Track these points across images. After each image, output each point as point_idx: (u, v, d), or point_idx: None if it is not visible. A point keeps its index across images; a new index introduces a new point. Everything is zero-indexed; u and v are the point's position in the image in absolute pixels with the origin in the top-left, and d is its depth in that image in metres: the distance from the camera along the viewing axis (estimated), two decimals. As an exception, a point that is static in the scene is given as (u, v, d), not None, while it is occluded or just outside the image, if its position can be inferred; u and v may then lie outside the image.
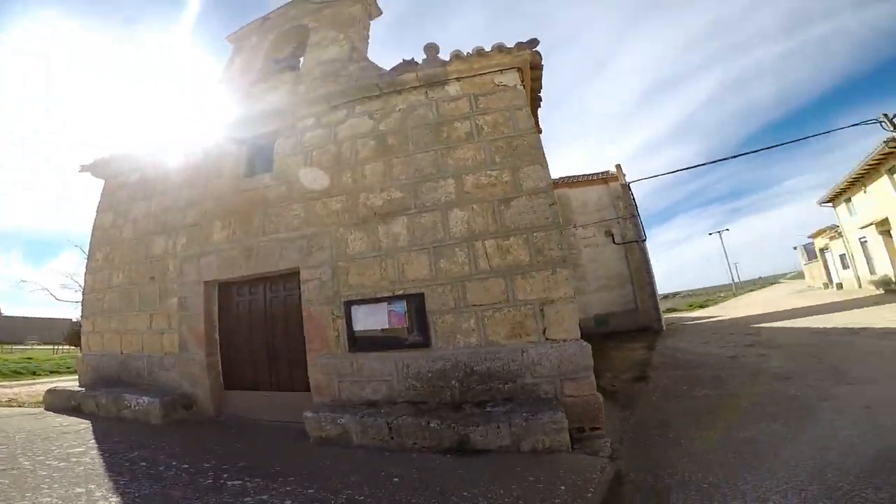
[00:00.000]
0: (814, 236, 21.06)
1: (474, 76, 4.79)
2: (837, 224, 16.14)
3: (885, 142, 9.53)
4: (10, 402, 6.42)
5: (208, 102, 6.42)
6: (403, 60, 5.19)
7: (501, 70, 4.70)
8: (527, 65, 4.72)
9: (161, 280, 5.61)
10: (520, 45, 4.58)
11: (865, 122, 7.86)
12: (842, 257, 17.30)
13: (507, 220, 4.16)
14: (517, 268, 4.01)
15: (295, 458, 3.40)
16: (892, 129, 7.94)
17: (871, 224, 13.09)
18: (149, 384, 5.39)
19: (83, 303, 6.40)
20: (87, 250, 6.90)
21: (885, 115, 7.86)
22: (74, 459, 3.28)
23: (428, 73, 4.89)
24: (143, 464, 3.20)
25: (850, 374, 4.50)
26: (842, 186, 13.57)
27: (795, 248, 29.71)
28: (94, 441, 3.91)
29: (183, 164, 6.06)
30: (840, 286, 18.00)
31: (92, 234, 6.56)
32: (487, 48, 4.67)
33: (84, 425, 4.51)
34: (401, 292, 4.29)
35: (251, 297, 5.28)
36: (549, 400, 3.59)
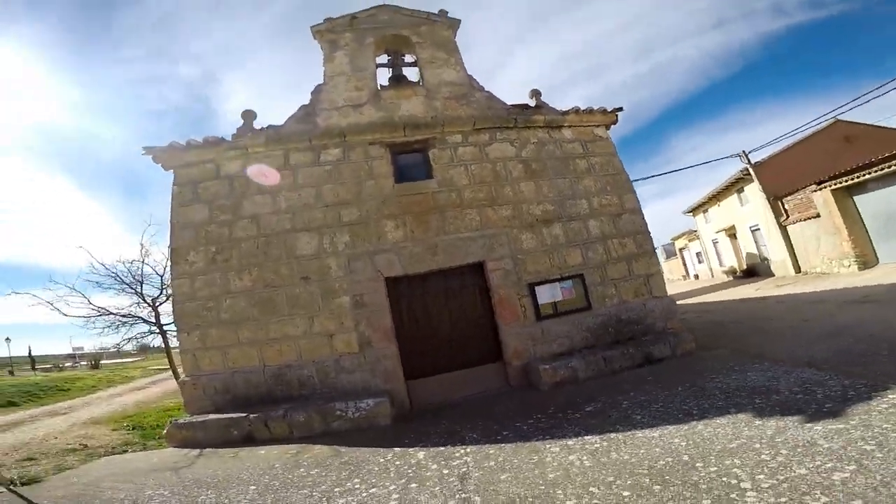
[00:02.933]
0: (675, 238, 31.46)
1: (580, 126, 7.56)
2: (696, 229, 25.22)
3: (741, 171, 16.31)
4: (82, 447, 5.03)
5: (323, 96, 6.76)
6: (533, 105, 7.49)
7: (597, 125, 7.68)
8: (611, 122, 7.84)
9: (321, 280, 5.93)
10: (613, 110, 7.64)
11: (730, 157, 15.06)
12: (698, 254, 26.56)
13: (621, 227, 7.15)
14: (631, 256, 7.05)
15: (566, 394, 5.09)
16: (746, 161, 15.22)
17: (723, 230, 20.26)
18: (323, 392, 5.61)
19: (179, 314, 5.63)
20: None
21: (744, 152, 15.04)
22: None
23: (551, 118, 7.35)
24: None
25: (773, 317, 9.08)
26: (702, 201, 21.77)
27: (657, 248, 42.94)
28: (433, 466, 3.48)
29: (311, 160, 6.38)
30: (696, 276, 27.29)
31: (175, 233, 5.81)
32: (583, 107, 7.57)
33: (323, 450, 4.29)
34: (567, 274, 6.67)
35: (423, 290, 6.38)
36: (663, 331, 6.80)
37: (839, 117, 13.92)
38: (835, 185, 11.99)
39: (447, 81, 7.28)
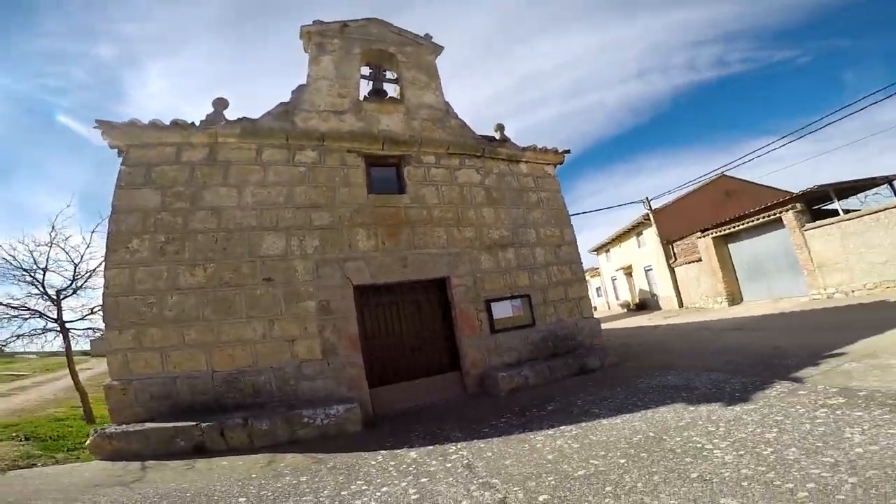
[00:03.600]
0: (579, 275, 35.48)
1: (534, 163, 8.70)
2: (598, 266, 28.88)
3: (642, 215, 19.40)
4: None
5: (305, 97, 6.71)
6: (498, 139, 8.40)
7: (548, 164, 8.92)
8: (559, 162, 9.13)
9: (286, 283, 5.72)
10: (562, 151, 8.94)
11: (634, 202, 17.96)
12: (597, 289, 30.38)
13: (560, 256, 8.32)
14: (567, 282, 8.24)
15: (522, 398, 5.75)
16: (648, 207, 18.13)
17: (621, 268, 23.38)
18: (281, 399, 5.35)
19: (111, 308, 4.85)
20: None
21: (647, 199, 18.00)
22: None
23: (512, 153, 8.36)
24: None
25: (669, 339, 11.08)
26: (606, 242, 25.09)
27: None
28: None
29: (285, 158, 6.26)
30: (595, 308, 30.36)
31: (118, 216, 5.12)
32: (539, 146, 8.79)
33: (297, 458, 4.12)
34: (517, 294, 7.48)
35: (389, 300, 6.57)
36: (591, 346, 7.98)
37: (725, 172, 17.38)
38: (715, 233, 15.35)
39: (427, 104, 7.81)
